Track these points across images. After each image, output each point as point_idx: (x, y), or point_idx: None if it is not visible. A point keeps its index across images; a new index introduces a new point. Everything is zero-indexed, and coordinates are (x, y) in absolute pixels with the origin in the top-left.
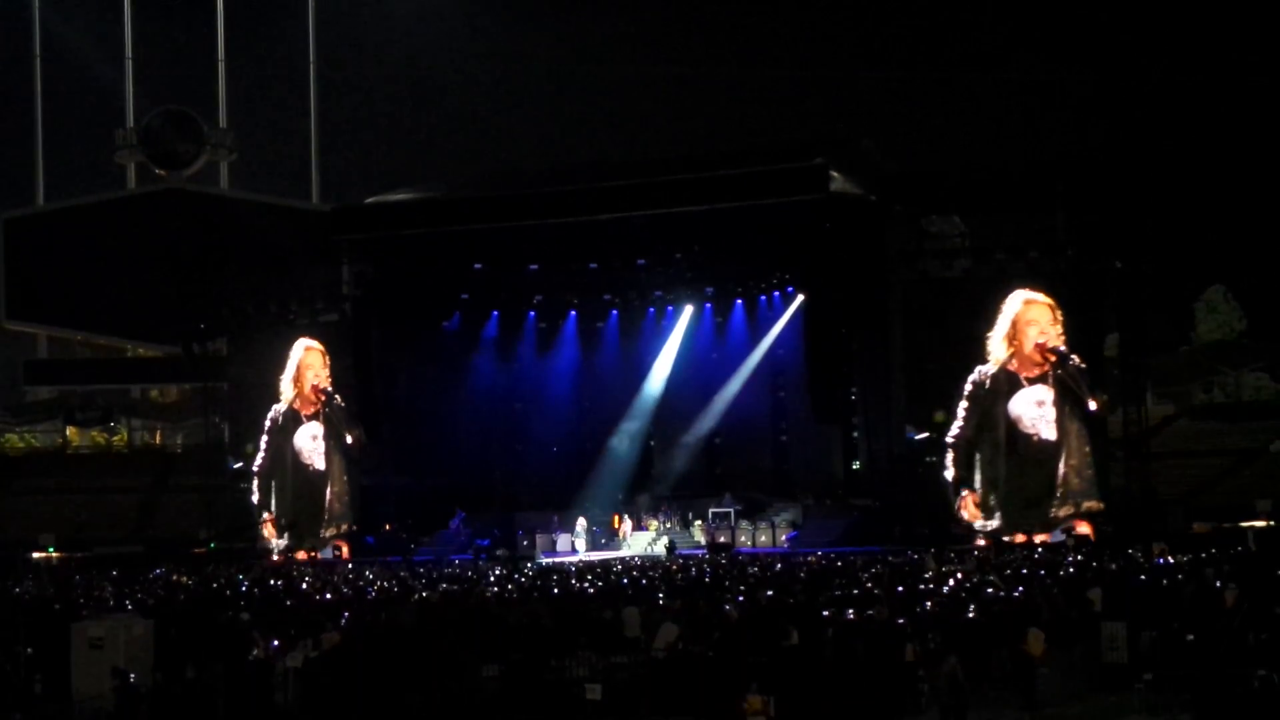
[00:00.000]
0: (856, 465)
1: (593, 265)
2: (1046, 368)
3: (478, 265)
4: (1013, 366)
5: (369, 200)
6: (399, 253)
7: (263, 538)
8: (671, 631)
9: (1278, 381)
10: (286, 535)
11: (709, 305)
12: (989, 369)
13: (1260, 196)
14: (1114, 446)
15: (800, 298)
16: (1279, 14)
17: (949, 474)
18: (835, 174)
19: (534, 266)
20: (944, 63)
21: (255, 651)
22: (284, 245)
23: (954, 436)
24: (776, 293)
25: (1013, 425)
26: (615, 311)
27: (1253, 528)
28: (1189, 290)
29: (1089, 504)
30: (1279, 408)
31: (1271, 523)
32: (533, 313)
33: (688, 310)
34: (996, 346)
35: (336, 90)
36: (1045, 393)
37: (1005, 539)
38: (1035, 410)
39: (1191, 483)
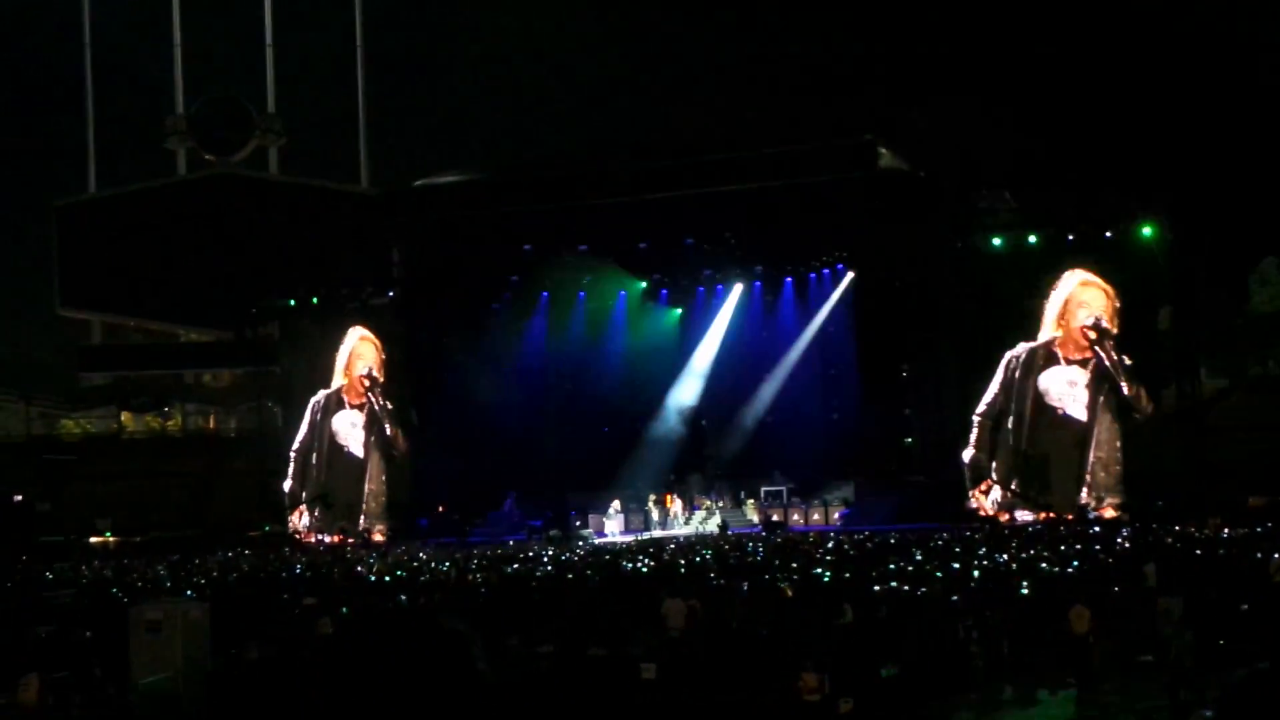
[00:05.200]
0: (908, 442)
1: (642, 245)
2: (1089, 352)
3: (527, 246)
4: (1056, 345)
5: (418, 183)
6: (448, 235)
7: (292, 518)
8: (680, 609)
9: None
10: (317, 514)
11: (758, 284)
12: (1030, 345)
13: None
14: (1168, 420)
15: (850, 275)
16: None
17: (967, 454)
18: (884, 150)
19: (583, 247)
20: (996, 36)
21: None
22: (333, 229)
23: (980, 412)
24: (826, 270)
25: (1040, 397)
26: (665, 291)
27: None
28: (1242, 262)
29: (1111, 499)
30: None
31: None
32: (582, 293)
33: (737, 289)
34: (1047, 324)
35: (384, 73)
36: (1080, 374)
37: (1025, 516)
38: (1066, 388)
39: (1246, 456)
